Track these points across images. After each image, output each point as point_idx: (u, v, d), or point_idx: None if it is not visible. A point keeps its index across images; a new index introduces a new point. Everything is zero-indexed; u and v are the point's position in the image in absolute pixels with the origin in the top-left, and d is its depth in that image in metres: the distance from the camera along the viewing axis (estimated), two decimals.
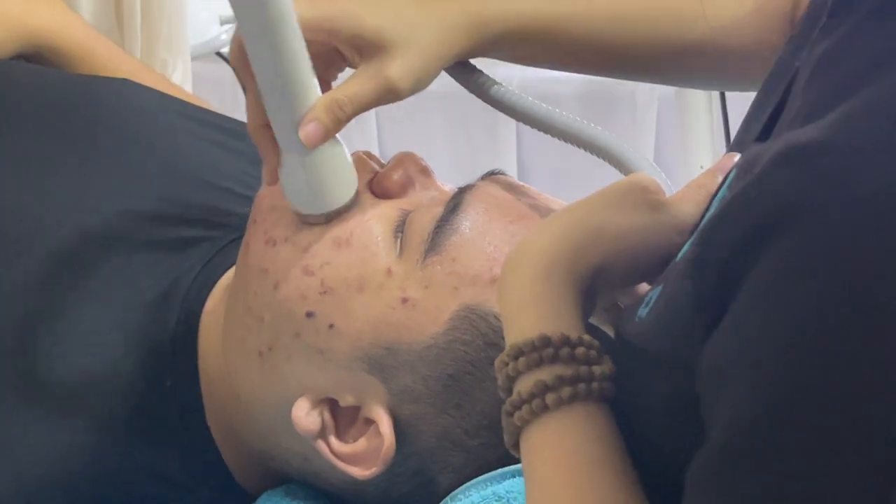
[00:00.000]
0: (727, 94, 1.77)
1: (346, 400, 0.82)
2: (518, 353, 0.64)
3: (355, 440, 0.82)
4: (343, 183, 0.84)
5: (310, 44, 0.78)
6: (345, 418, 0.83)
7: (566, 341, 0.64)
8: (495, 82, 0.91)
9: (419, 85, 0.83)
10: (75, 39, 1.17)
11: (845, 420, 0.48)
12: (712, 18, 0.89)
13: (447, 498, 0.81)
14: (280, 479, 0.89)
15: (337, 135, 0.82)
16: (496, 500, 0.78)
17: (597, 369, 0.63)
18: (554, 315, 0.65)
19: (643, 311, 0.61)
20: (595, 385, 0.63)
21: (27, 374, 0.87)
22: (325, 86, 0.84)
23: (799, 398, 0.48)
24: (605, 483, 0.61)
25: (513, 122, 2.24)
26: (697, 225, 0.69)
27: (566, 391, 0.62)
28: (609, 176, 0.79)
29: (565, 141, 0.91)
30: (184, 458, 0.88)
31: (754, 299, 0.50)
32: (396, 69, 0.81)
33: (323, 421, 0.82)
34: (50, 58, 1.16)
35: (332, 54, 0.85)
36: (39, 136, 1.01)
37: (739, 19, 0.89)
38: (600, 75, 0.94)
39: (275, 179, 0.83)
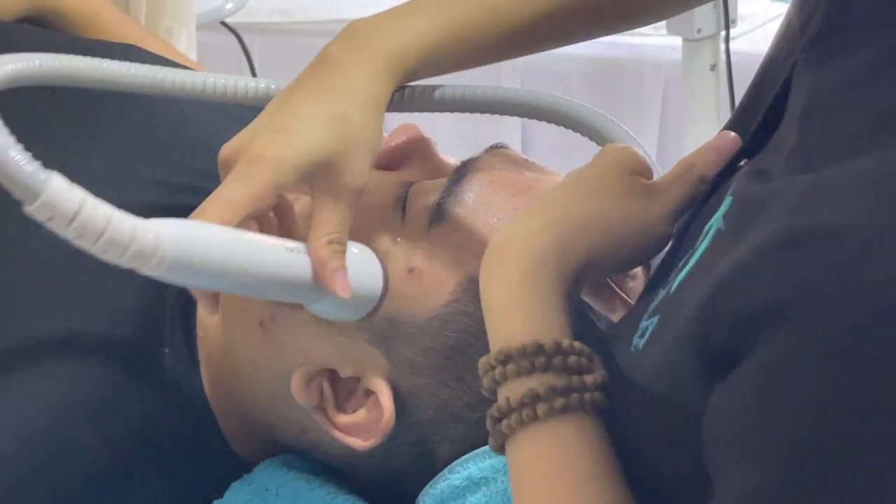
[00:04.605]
0: (734, 70, 1.76)
1: (346, 371, 0.82)
2: (506, 358, 0.63)
3: (354, 411, 0.82)
4: (370, 270, 0.79)
5: (265, 210, 0.76)
6: (344, 389, 0.82)
7: (558, 349, 0.63)
8: (434, 87, 0.85)
9: (373, 159, 0.78)
10: (80, 3, 1.17)
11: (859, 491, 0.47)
12: None
13: (445, 470, 0.81)
14: (278, 449, 0.88)
15: None
16: (494, 473, 0.78)
17: (589, 379, 0.62)
18: (544, 318, 0.64)
19: (639, 342, 0.60)
20: (587, 395, 0.62)
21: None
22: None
23: (810, 485, 0.48)
24: (597, 496, 0.61)
25: None
26: (686, 210, 0.68)
27: (558, 402, 0.61)
28: None
29: (537, 119, 0.88)
30: (180, 425, 0.88)
31: (763, 381, 0.50)
32: (349, 176, 0.75)
33: (322, 391, 0.82)
34: (55, 21, 1.16)
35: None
36: (43, 100, 1.00)
37: None
38: (527, 54, 0.90)
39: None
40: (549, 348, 0.63)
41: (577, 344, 0.64)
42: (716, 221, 0.58)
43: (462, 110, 0.87)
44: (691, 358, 0.54)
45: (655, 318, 0.59)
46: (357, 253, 0.79)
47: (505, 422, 0.62)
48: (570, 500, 0.60)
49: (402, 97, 0.84)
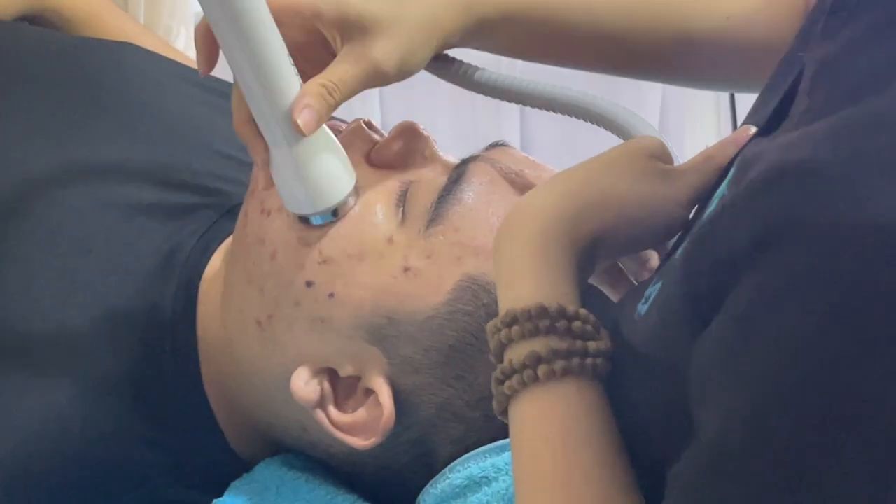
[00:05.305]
0: None
1: (346, 370, 0.81)
2: (512, 320, 0.64)
3: (354, 410, 0.81)
4: (340, 174, 0.81)
5: (287, 31, 0.76)
6: (344, 388, 0.82)
7: (563, 313, 0.64)
8: (478, 68, 0.88)
9: (405, 67, 0.80)
10: (78, 2, 1.17)
11: (829, 428, 0.48)
12: (723, 9, 0.88)
13: (445, 469, 0.80)
14: (278, 448, 0.88)
15: (324, 125, 0.80)
16: (495, 472, 0.78)
17: (592, 345, 0.63)
18: (552, 284, 0.65)
19: (642, 308, 0.61)
20: (589, 361, 0.63)
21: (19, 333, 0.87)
22: (306, 79, 0.81)
23: (785, 410, 0.49)
24: (593, 461, 0.61)
25: None
26: (702, 196, 0.69)
27: (559, 364, 0.62)
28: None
29: (569, 115, 0.89)
30: (180, 424, 0.88)
31: (743, 312, 0.51)
32: (380, 51, 0.78)
33: (322, 390, 0.81)
34: (53, 20, 1.16)
35: (311, 46, 0.81)
36: (43, 97, 1.01)
37: (751, 11, 0.88)
38: (600, 72, 0.92)
39: (269, 182, 0.81)
40: (553, 312, 0.63)
41: (582, 311, 0.65)
42: (720, 191, 0.60)
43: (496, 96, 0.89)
44: (680, 307, 0.56)
45: (659, 284, 0.60)
46: (340, 149, 0.81)
47: (507, 383, 0.63)
48: (566, 462, 0.61)
49: (450, 68, 0.87)
